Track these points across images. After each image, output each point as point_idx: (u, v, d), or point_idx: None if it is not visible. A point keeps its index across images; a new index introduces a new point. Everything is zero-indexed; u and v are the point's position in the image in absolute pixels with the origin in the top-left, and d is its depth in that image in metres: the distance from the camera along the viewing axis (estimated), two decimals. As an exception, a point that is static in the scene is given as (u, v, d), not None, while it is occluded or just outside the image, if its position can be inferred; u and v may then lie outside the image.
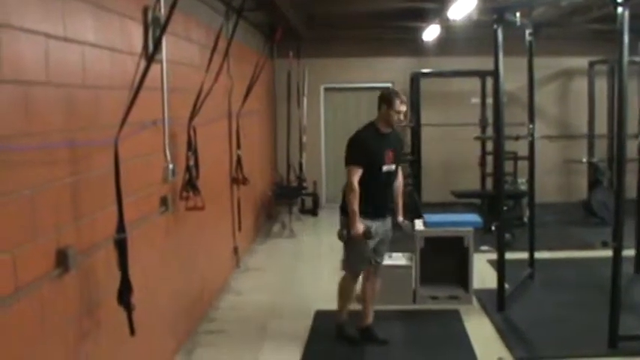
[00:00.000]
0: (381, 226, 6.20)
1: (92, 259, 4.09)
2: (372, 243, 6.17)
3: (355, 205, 5.97)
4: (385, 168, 6.11)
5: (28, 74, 3.35)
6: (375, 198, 6.11)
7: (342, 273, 6.49)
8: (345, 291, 6.48)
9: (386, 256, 6.66)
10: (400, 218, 6.49)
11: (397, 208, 6.51)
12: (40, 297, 3.42)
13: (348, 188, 6.01)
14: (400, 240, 6.78)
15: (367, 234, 6.00)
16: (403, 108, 6.13)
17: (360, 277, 6.49)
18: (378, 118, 6.18)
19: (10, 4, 3.18)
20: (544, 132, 11.77)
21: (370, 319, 6.53)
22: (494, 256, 7.67)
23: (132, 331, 4.20)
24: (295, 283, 8.71)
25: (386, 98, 6.13)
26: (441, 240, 7.47)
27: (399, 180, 6.51)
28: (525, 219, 10.33)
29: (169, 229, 5.84)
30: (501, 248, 7.21)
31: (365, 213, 6.03)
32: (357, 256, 6.26)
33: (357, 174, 5.99)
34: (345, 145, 6.18)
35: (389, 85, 13.88)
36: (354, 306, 6.62)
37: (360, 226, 5.98)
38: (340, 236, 6.20)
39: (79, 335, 3.93)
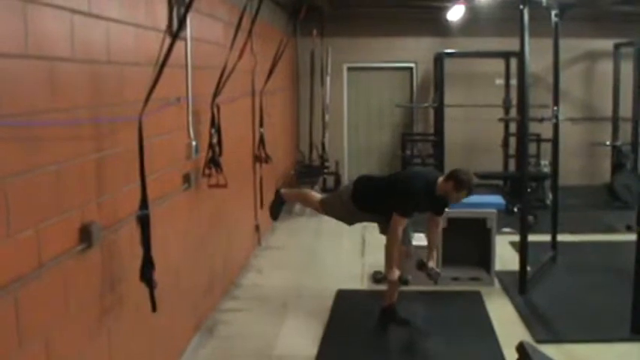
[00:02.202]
0: None
1: (115, 235, 4.10)
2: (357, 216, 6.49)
3: (395, 254, 6.07)
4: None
5: (53, 50, 3.34)
6: None
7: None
8: (302, 195, 7.31)
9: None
10: (431, 265, 6.39)
11: (430, 254, 6.42)
12: (64, 273, 3.43)
13: (391, 236, 6.04)
14: (422, 221, 6.74)
15: (403, 281, 6.12)
16: (463, 198, 6.10)
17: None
18: (441, 185, 6.06)
19: (36, -21, 3.18)
20: (568, 114, 11.67)
21: (394, 299, 6.53)
22: (516, 238, 7.66)
23: (154, 308, 4.21)
24: (316, 261, 8.72)
25: (458, 181, 5.96)
26: (464, 221, 7.44)
27: (438, 229, 6.59)
28: (548, 201, 10.30)
29: (192, 206, 5.85)
30: (524, 230, 7.19)
31: None
32: (337, 209, 6.60)
33: (403, 224, 6.05)
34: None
35: (412, 65, 13.89)
36: (379, 286, 6.63)
37: (396, 272, 6.07)
38: (375, 279, 6.57)
39: (102, 311, 3.94)
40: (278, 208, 7.11)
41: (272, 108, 9.79)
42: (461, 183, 5.95)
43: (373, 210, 6.28)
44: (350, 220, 6.63)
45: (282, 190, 7.17)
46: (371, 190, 6.36)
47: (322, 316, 6.62)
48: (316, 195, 6.91)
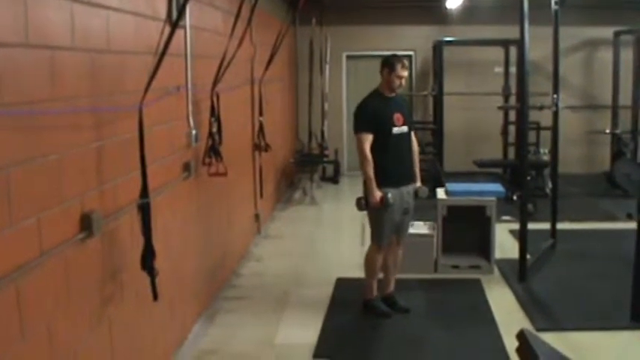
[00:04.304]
0: (404, 195, 6.19)
1: (116, 223, 4.10)
2: (397, 215, 6.16)
3: (370, 172, 5.96)
4: (396, 130, 6.10)
5: (53, 39, 3.34)
6: (393, 163, 6.09)
7: (362, 243, 6.49)
8: (369, 264, 6.41)
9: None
10: (418, 183, 6.44)
11: (413, 173, 6.47)
12: (65, 261, 3.44)
13: (360, 156, 6.03)
14: (422, 209, 6.74)
15: (385, 201, 5.98)
16: (404, 73, 6.12)
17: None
18: (381, 83, 6.23)
19: (35, -32, 3.17)
20: (568, 102, 11.68)
21: (392, 288, 6.55)
22: (515, 226, 7.67)
23: (155, 296, 4.21)
24: (316, 250, 8.73)
25: (388, 63, 6.12)
26: (463, 209, 7.45)
27: (415, 145, 6.46)
28: (547, 189, 10.31)
29: (192, 194, 5.86)
30: (524, 218, 7.19)
31: (385, 181, 6.01)
32: (381, 228, 6.24)
33: (368, 141, 5.99)
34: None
35: (411, 53, 13.87)
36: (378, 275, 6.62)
37: (377, 193, 5.97)
38: (358, 205, 6.21)
39: (103, 300, 3.95)
40: (379, 306, 6.49)
41: (271, 96, 9.79)
42: (390, 60, 6.12)
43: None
44: (390, 216, 6.20)
45: (367, 298, 6.52)
46: None
47: (322, 304, 6.64)
48: (369, 252, 6.45)
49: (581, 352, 5.43)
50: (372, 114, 6.10)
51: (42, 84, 3.23)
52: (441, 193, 7.69)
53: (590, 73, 13.85)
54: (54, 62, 3.33)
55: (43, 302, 3.23)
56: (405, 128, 6.17)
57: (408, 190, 6.24)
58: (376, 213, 6.14)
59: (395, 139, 6.10)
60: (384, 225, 6.19)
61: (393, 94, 6.21)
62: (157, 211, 4.36)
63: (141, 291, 4.28)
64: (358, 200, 6.20)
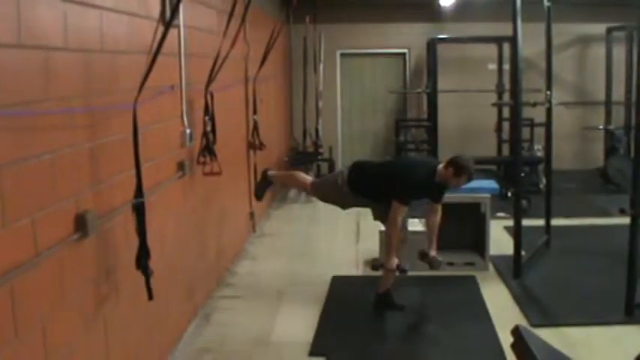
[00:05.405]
0: None
1: (110, 223, 4.10)
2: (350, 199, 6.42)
3: (394, 242, 6.08)
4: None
5: (46, 39, 3.34)
6: None
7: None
8: (292, 177, 7.20)
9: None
10: (432, 253, 6.45)
11: (431, 242, 6.48)
12: (60, 261, 3.44)
13: (391, 224, 6.05)
14: (417, 206, 6.73)
15: (401, 269, 6.15)
16: (464, 185, 6.17)
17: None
18: (440, 172, 6.12)
19: (28, -32, 3.17)
20: (561, 99, 11.69)
21: (389, 285, 6.53)
22: (510, 222, 7.69)
23: (150, 296, 4.21)
24: (311, 248, 8.74)
25: (458, 167, 6.01)
26: (458, 206, 7.44)
27: (437, 216, 6.49)
28: (541, 186, 10.32)
29: (186, 194, 5.86)
30: (518, 215, 7.21)
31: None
32: (328, 189, 6.60)
33: (403, 213, 6.09)
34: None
35: (405, 50, 13.88)
36: (374, 273, 6.63)
37: (395, 261, 6.09)
38: (373, 266, 6.42)
39: (98, 299, 3.95)
40: (263, 189, 7.19)
41: (265, 95, 9.78)
42: (461, 169, 5.99)
43: (370, 196, 6.29)
44: (343, 204, 6.60)
45: (270, 172, 7.15)
46: (368, 176, 6.38)
47: (318, 302, 6.64)
48: (306, 177, 6.88)
49: (576, 347, 5.44)
50: (415, 193, 6.19)
51: (35, 84, 3.22)
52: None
53: (583, 69, 13.88)
54: (47, 62, 3.33)
55: (38, 302, 3.23)
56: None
57: None
58: (335, 185, 6.45)
59: None
60: (332, 193, 6.54)
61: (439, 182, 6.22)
62: (151, 210, 4.36)
63: (136, 290, 4.27)
64: (373, 261, 6.29)
